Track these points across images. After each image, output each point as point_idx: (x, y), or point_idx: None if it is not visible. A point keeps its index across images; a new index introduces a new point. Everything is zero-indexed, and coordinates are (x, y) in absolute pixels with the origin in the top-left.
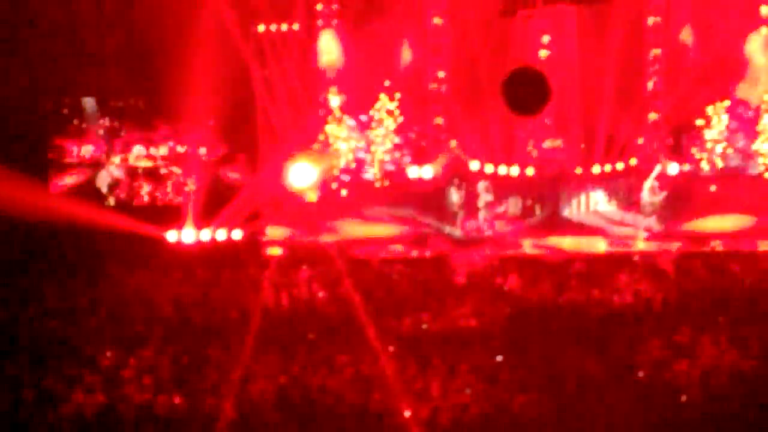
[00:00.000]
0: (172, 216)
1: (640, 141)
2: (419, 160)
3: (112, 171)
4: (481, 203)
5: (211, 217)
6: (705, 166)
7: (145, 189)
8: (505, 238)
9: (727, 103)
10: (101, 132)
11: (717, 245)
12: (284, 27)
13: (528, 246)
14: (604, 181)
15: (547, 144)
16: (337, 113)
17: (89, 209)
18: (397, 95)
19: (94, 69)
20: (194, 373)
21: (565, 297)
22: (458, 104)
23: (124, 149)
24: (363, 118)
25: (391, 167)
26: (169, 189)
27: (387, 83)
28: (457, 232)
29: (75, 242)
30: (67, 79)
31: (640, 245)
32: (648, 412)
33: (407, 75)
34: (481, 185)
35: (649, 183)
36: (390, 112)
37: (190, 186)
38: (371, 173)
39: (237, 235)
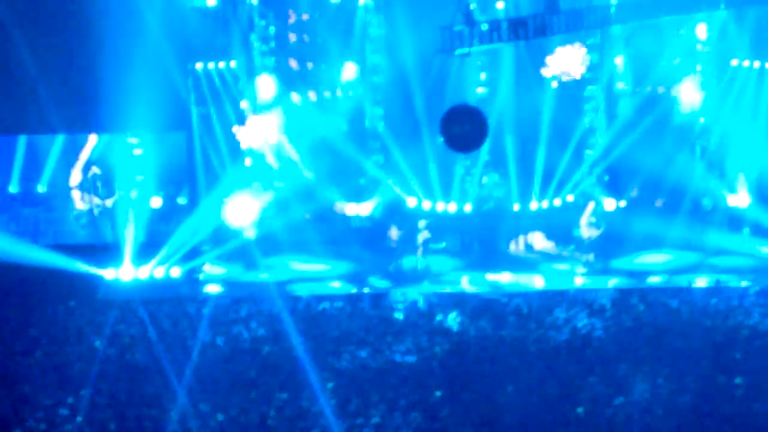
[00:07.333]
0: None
1: (577, 177)
2: (358, 196)
3: None
4: (419, 240)
5: (149, 254)
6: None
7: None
8: (443, 275)
9: None
10: None
11: (654, 280)
12: (222, 65)
13: (466, 282)
14: (541, 217)
15: (485, 181)
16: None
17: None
18: None
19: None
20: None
21: (504, 333)
22: (396, 141)
23: None
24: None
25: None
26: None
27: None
28: (396, 268)
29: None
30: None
31: (578, 281)
32: None
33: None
34: (419, 222)
35: (585, 219)
36: None
37: (129, 223)
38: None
39: (175, 272)
